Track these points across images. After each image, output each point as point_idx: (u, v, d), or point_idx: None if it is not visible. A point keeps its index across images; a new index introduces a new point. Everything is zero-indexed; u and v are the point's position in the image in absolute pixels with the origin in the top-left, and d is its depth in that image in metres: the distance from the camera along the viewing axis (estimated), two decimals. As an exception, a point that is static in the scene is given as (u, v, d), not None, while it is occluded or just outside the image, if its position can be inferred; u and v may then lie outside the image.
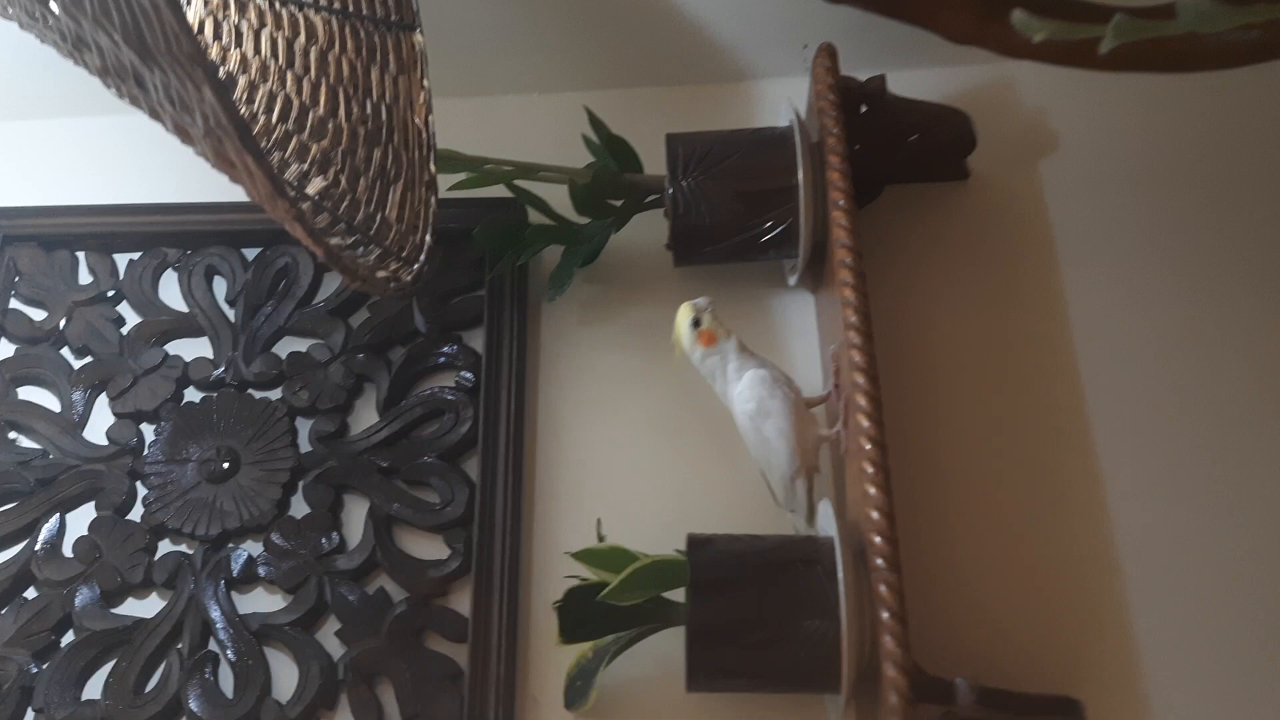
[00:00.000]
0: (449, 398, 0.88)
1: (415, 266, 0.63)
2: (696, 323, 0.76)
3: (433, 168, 0.70)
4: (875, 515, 0.68)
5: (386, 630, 0.80)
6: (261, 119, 0.64)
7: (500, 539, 0.81)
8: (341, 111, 0.66)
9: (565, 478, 0.85)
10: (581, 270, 0.89)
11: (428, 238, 0.65)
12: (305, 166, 0.64)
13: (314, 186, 0.63)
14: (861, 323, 0.74)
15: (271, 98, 0.64)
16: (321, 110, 0.65)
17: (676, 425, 0.85)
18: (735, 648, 0.69)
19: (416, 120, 0.69)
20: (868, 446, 0.70)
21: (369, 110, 0.68)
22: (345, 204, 0.63)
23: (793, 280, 0.87)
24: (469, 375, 0.88)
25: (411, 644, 0.79)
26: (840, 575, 0.67)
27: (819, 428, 0.75)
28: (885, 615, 0.65)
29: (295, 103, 0.64)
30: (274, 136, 0.64)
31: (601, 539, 0.76)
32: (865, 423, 0.70)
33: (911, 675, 0.64)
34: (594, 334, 0.90)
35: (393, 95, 0.69)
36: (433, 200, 0.68)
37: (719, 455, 0.83)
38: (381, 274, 0.59)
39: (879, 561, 0.67)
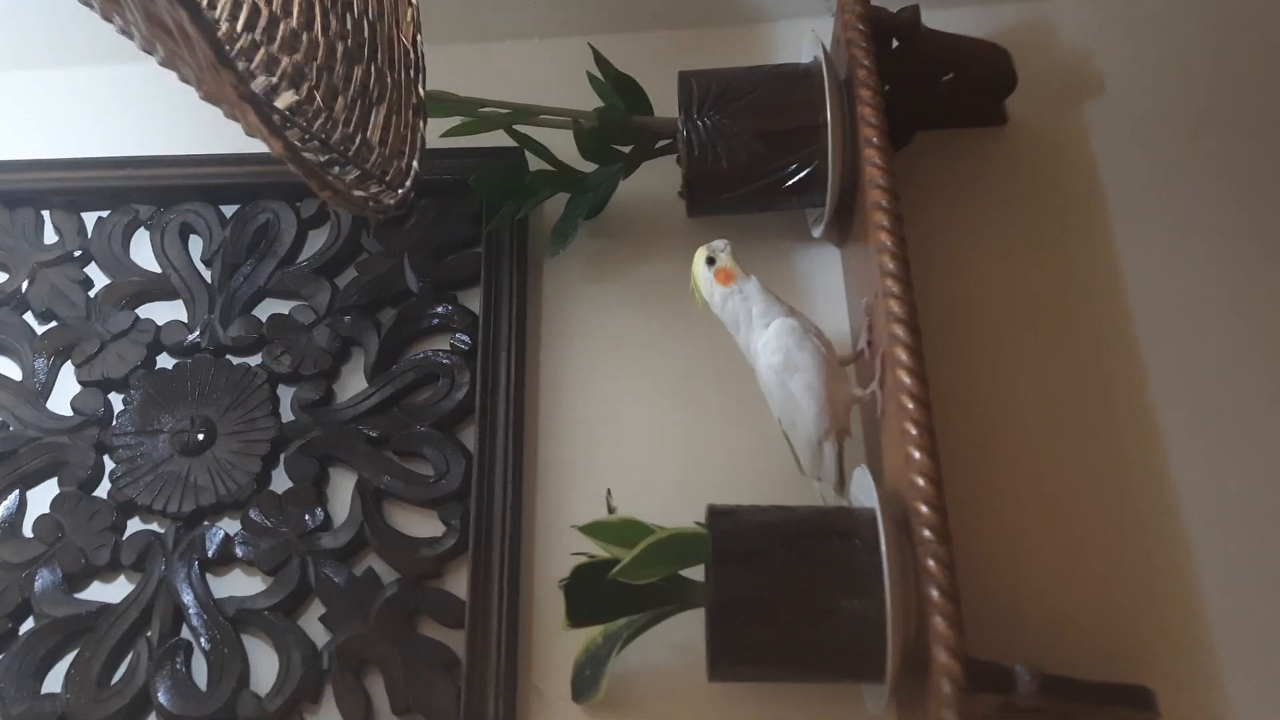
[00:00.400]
0: (443, 362, 0.80)
1: (400, 192, 0.55)
2: (711, 261, 0.68)
3: (421, 90, 0.63)
4: (920, 481, 0.61)
5: (375, 615, 0.72)
6: (225, 25, 0.56)
7: (500, 514, 0.73)
8: (318, 25, 0.58)
9: (570, 447, 0.78)
10: (587, 223, 0.81)
11: (415, 164, 0.57)
12: (274, 79, 0.56)
13: (284, 100, 0.56)
14: (900, 270, 0.67)
15: (236, 4, 0.57)
16: (295, 22, 0.58)
17: (692, 389, 0.78)
18: (763, 630, 0.62)
19: (403, 38, 0.62)
20: (910, 405, 0.63)
21: (349, 25, 0.60)
22: (320, 121, 0.56)
23: (817, 231, 0.80)
24: (465, 338, 0.81)
25: (403, 630, 0.72)
26: (883, 548, 0.60)
27: (851, 386, 0.68)
28: (934, 593, 0.58)
29: (265, 11, 0.57)
30: (239, 45, 0.56)
31: (612, 511, 0.69)
32: (906, 379, 0.63)
33: (966, 661, 0.56)
34: (601, 291, 0.83)
35: (376, 11, 0.61)
36: (421, 125, 0.61)
37: (739, 422, 0.76)
38: (360, 194, 0.52)
39: (926, 533, 0.60)
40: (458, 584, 0.74)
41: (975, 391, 0.76)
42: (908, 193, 0.81)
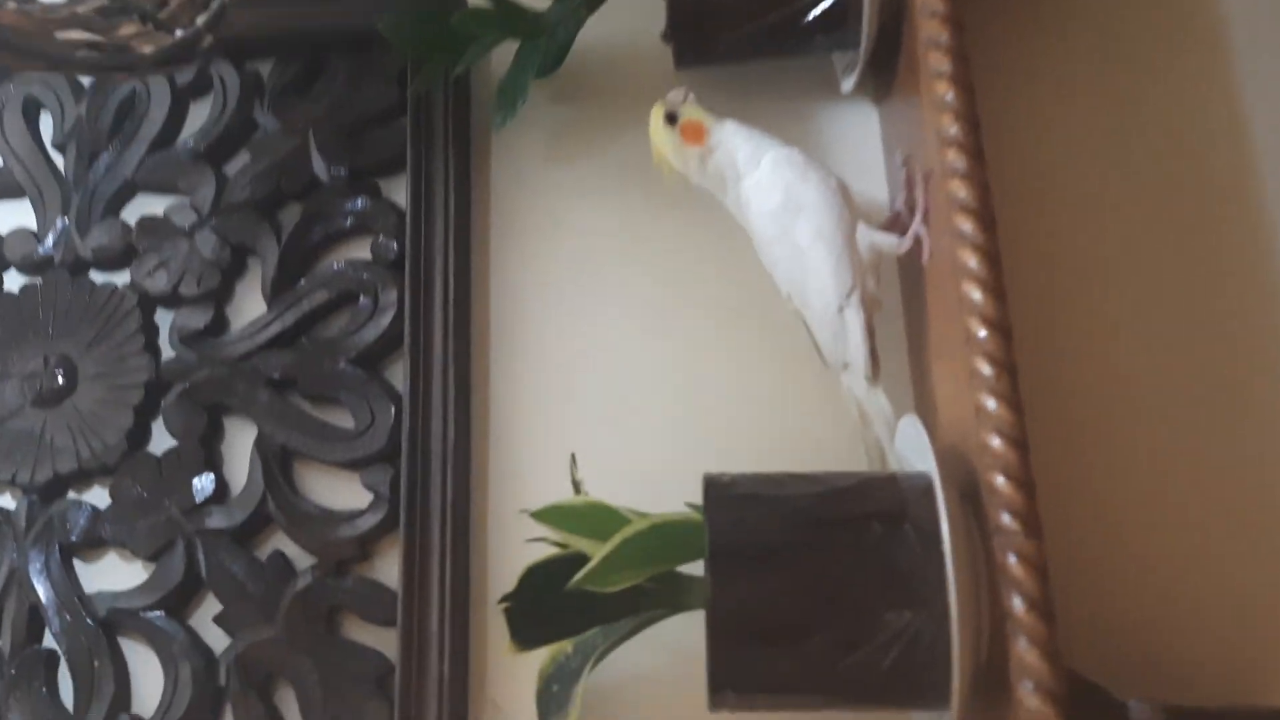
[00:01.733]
0: (363, 277, 0.62)
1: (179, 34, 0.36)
2: (673, 118, 0.49)
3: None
4: (998, 444, 0.44)
5: (285, 614, 0.57)
6: None
7: (440, 478, 0.57)
8: None
9: (528, 388, 0.60)
10: (543, 81, 0.61)
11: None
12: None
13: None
14: (966, 135, 0.48)
15: None
16: None
17: (689, 311, 0.59)
18: (779, 652, 0.45)
19: None
20: (982, 332, 0.45)
21: None
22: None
23: (849, 84, 0.59)
24: (390, 243, 0.62)
25: (320, 632, 0.56)
26: (946, 538, 0.43)
27: (875, 232, 0.50)
28: (1019, 605, 0.41)
29: None
30: None
31: (577, 486, 0.51)
32: (976, 294, 0.46)
33: (1063, 700, 0.40)
34: (565, 176, 0.63)
35: None
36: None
37: (753, 352, 0.57)
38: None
39: (1007, 519, 0.43)
40: (389, 570, 0.58)
41: (1054, 311, 0.56)
42: (971, 25, 0.59)
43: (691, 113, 0.51)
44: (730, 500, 0.46)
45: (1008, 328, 0.46)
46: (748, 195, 0.51)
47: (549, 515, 0.49)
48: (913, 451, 0.50)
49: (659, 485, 0.50)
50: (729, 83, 0.61)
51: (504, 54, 0.62)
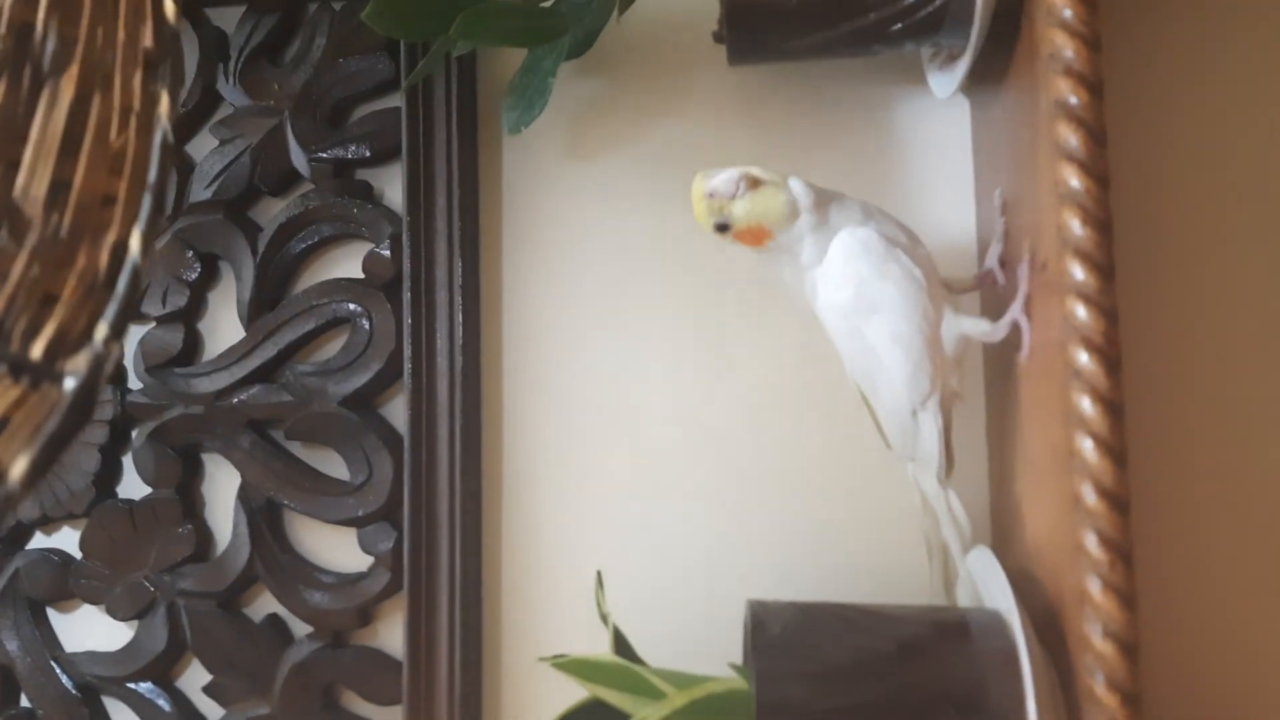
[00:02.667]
0: (350, 305, 0.53)
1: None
2: (723, 227, 0.40)
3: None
4: (1101, 595, 0.37)
5: (282, 687, 0.51)
6: None
7: (448, 541, 0.50)
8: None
9: (546, 435, 0.52)
10: (571, 65, 0.50)
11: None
12: None
13: None
14: (1089, 151, 0.38)
15: None
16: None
17: (737, 362, 0.51)
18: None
19: None
20: (1092, 455, 0.37)
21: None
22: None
23: (947, 88, 0.49)
24: (385, 254, 0.53)
25: (319, 708, 0.51)
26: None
27: (963, 319, 0.42)
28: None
29: None
30: None
31: (605, 617, 0.45)
32: (1088, 367, 0.39)
33: None
34: (591, 174, 0.53)
35: None
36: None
37: (801, 422, 0.50)
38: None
39: (1103, 690, 0.36)
40: (391, 635, 0.52)
41: (1173, 431, 0.48)
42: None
43: (745, 214, 0.40)
44: (779, 655, 0.40)
45: (1123, 453, 0.38)
46: (814, 282, 0.42)
47: (572, 667, 0.43)
48: (987, 584, 0.43)
49: (709, 566, 0.44)
50: (787, 79, 0.50)
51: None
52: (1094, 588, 0.37)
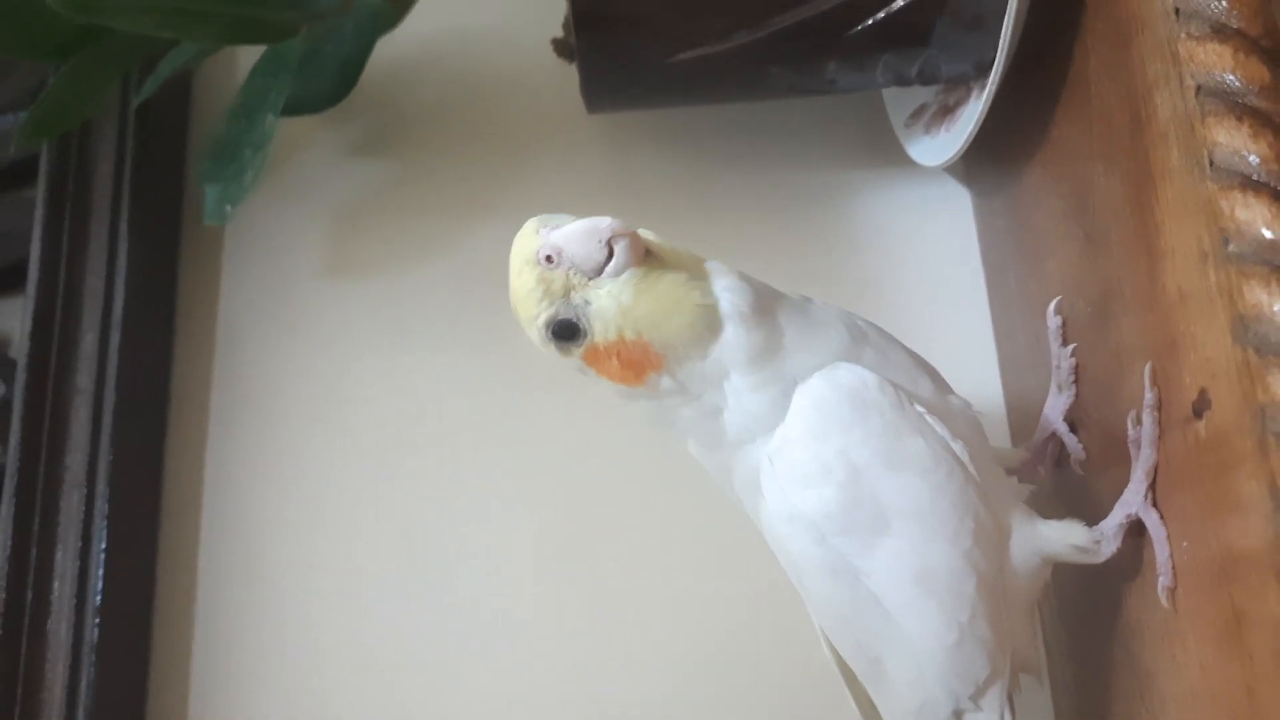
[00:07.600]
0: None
1: None
2: (567, 331, 0.21)
3: None
4: None
5: None
6: None
7: None
8: None
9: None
10: (336, 128, 0.31)
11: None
12: None
13: None
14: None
15: None
16: None
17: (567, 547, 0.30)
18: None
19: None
20: None
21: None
22: None
23: (940, 152, 0.29)
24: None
25: None
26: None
27: (1041, 527, 0.24)
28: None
29: None
30: None
31: None
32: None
33: None
34: (360, 305, 0.32)
35: None
36: None
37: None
38: None
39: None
40: None
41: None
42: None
43: (623, 310, 0.21)
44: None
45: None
46: (751, 469, 0.22)
47: None
48: None
49: None
50: (685, 134, 0.31)
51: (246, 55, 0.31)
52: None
